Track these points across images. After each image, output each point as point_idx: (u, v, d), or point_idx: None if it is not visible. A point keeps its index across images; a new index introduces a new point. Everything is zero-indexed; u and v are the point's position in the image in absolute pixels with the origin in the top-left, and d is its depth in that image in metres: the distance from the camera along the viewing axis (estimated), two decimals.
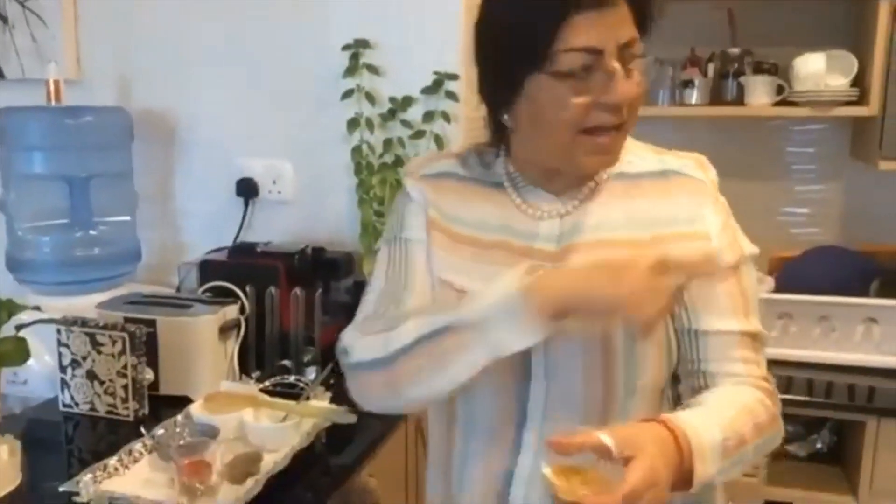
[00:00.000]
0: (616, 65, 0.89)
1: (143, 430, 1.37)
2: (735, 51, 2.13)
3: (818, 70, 1.96)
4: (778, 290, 2.00)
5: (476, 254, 1.02)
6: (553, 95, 0.92)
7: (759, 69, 2.09)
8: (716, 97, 2.14)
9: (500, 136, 1.04)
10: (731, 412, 0.92)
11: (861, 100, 1.94)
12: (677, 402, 1.04)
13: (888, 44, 1.85)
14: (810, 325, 1.94)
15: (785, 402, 1.76)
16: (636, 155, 1.04)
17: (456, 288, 1.01)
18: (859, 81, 1.95)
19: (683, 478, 0.85)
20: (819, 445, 1.98)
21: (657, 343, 0.98)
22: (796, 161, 2.27)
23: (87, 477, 1.21)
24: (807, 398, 1.82)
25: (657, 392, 1.01)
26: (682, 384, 1.03)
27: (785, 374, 1.90)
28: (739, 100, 2.11)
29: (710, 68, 2.15)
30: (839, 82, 1.95)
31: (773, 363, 1.87)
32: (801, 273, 2.04)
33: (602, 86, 0.90)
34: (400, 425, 1.64)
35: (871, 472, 1.76)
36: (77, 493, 1.18)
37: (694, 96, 2.13)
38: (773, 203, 2.27)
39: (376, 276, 1.10)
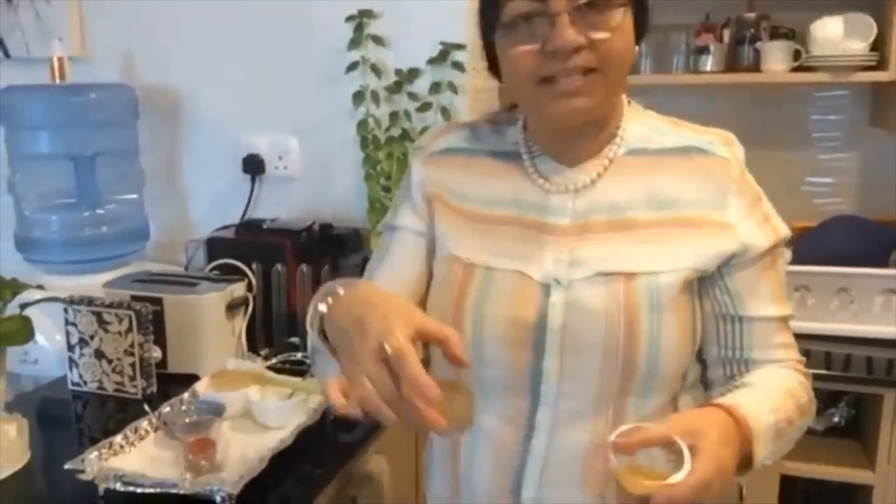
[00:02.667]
0: (558, 8, 0.85)
1: (146, 408, 1.37)
2: (751, 16, 2.07)
3: (836, 34, 1.90)
4: (795, 261, 1.96)
5: (485, 230, 0.99)
6: (504, 48, 0.90)
7: (775, 34, 2.03)
8: (731, 64, 2.09)
9: (510, 106, 1.03)
10: (778, 394, 0.92)
11: (880, 65, 1.88)
12: (707, 387, 1.02)
13: None
14: (828, 296, 1.90)
15: None
16: (656, 129, 0.99)
17: (463, 262, 0.98)
18: (878, 46, 1.89)
19: (742, 462, 0.86)
20: (836, 419, 1.95)
21: (683, 321, 0.93)
22: (815, 129, 2.21)
23: (92, 455, 1.21)
24: (825, 371, 1.78)
25: (678, 377, 0.96)
26: (712, 370, 1.00)
27: (803, 346, 1.81)
28: (756, 66, 2.05)
29: (726, 34, 2.10)
30: (858, 46, 1.89)
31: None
32: (818, 244, 2.00)
33: (547, 32, 0.86)
34: None
35: (889, 446, 1.73)
36: (82, 471, 1.18)
37: (709, 63, 2.07)
38: (791, 172, 2.22)
39: (370, 261, 1.10)
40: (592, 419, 0.94)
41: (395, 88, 1.87)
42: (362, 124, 1.88)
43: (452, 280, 0.98)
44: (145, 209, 2.06)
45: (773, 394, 0.92)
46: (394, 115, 1.87)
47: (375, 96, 1.88)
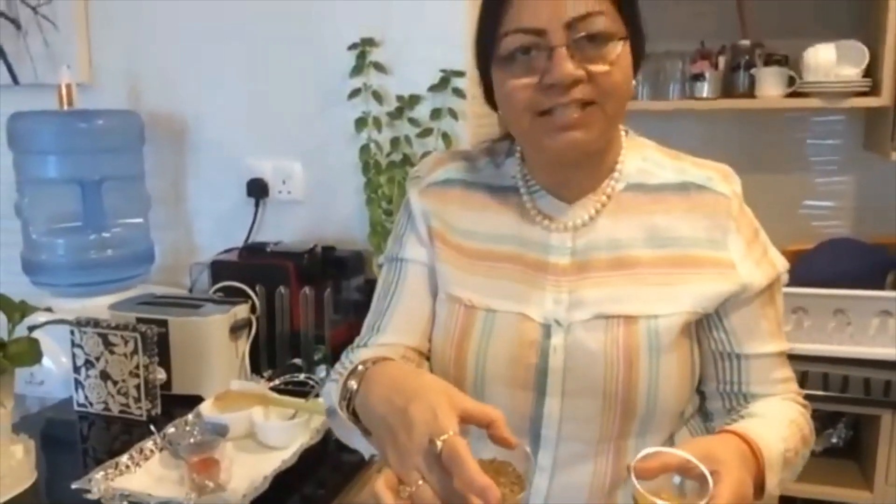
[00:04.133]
0: (556, 42, 0.85)
1: (152, 428, 1.39)
2: (745, 43, 2.11)
3: (829, 61, 1.94)
4: (792, 283, 1.97)
5: (487, 268, 0.98)
6: (501, 80, 0.90)
7: (769, 61, 2.07)
8: (727, 90, 2.13)
9: (508, 135, 1.02)
10: (784, 424, 0.93)
11: (873, 90, 1.92)
12: (705, 418, 1.03)
13: None
14: (825, 318, 1.92)
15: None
16: (655, 163, 0.98)
17: (465, 303, 0.97)
18: (871, 72, 1.93)
19: (755, 489, 0.85)
20: (835, 440, 1.96)
21: (682, 363, 0.94)
22: (811, 153, 2.25)
23: (98, 475, 1.23)
24: (822, 392, 1.80)
25: (677, 415, 0.97)
26: (711, 402, 1.01)
27: (800, 368, 1.87)
28: (751, 92, 2.09)
29: (721, 61, 2.14)
30: (850, 72, 1.93)
31: (789, 358, 1.88)
32: (815, 266, 2.02)
33: (545, 66, 0.86)
34: None
35: (887, 466, 1.74)
36: (89, 491, 1.19)
37: (705, 89, 2.11)
38: (786, 196, 2.25)
39: (375, 292, 1.07)
40: (594, 460, 0.94)
41: (397, 114, 1.90)
42: (364, 149, 1.92)
43: (454, 321, 0.97)
44: (151, 233, 2.09)
45: (779, 424, 0.92)
46: (395, 141, 1.90)
47: (377, 122, 1.91)
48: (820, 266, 2.03)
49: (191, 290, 2.02)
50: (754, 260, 0.94)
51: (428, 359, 1.02)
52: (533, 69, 0.87)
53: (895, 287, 1.97)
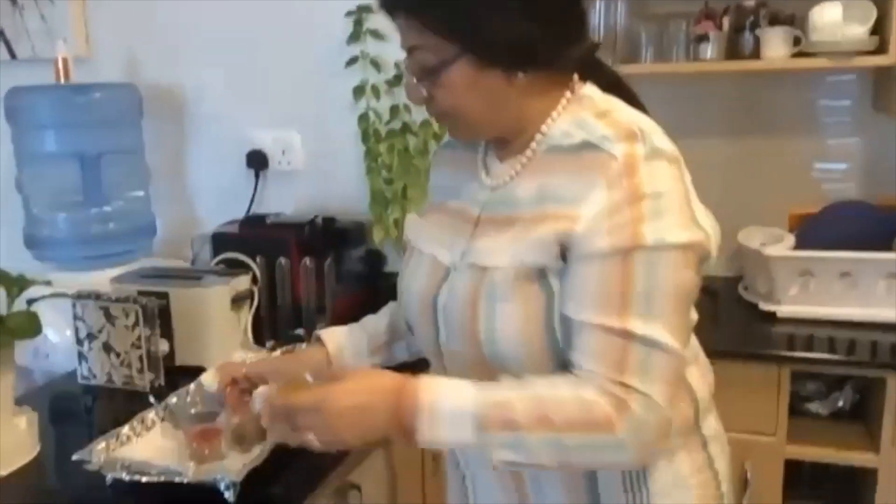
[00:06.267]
0: (406, 64, 0.97)
1: (152, 399, 1.39)
2: (750, 3, 2.06)
3: (835, 19, 1.89)
4: (798, 246, 1.96)
5: (434, 216, 1.11)
6: None
7: (775, 21, 2.03)
8: (731, 51, 2.08)
9: None
10: (515, 395, 0.88)
11: (880, 49, 1.88)
12: None
13: None
14: (831, 281, 1.90)
15: (806, 361, 1.76)
16: (580, 125, 0.95)
17: (412, 244, 1.11)
18: (878, 30, 1.88)
19: (407, 431, 0.89)
20: (841, 403, 1.95)
21: (522, 312, 0.93)
22: (817, 115, 2.20)
23: (99, 445, 1.23)
24: (829, 356, 1.78)
25: (540, 362, 0.95)
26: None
27: (806, 332, 1.87)
28: (756, 53, 2.05)
29: (725, 22, 2.09)
30: (857, 31, 1.88)
31: (794, 321, 1.87)
32: (821, 229, 1.99)
33: None
34: None
35: (893, 429, 1.73)
36: (89, 461, 1.20)
37: (709, 51, 2.07)
38: (793, 158, 2.21)
39: None
40: None
41: (395, 82, 1.89)
42: (363, 118, 1.90)
43: (404, 260, 1.13)
44: (151, 206, 2.09)
45: (506, 392, 0.89)
46: (394, 109, 1.89)
47: (376, 90, 1.90)
48: (826, 229, 2.00)
49: (192, 263, 2.03)
50: (614, 222, 0.88)
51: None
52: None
53: None
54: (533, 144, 0.99)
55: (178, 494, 1.17)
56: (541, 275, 0.93)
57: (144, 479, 1.16)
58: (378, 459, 1.50)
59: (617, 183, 0.88)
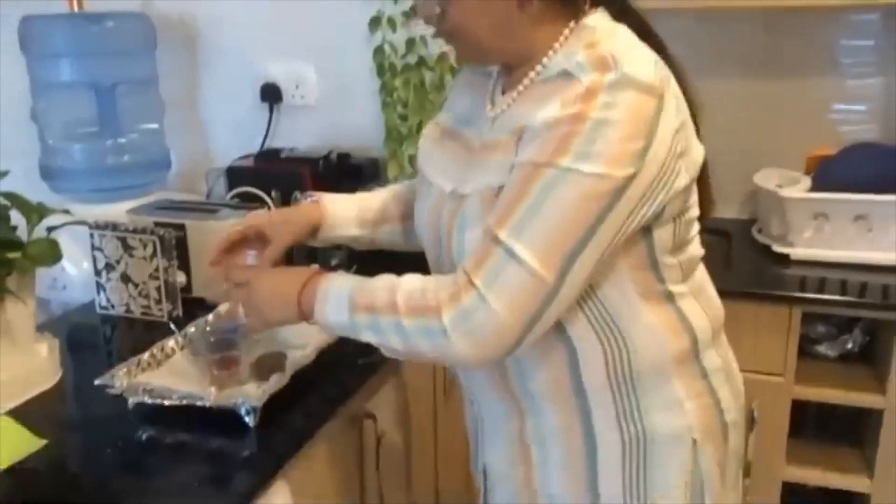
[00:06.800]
0: None
1: (172, 326, 1.41)
2: None
3: None
4: (814, 188, 1.95)
5: (441, 143, 1.12)
6: None
7: None
8: None
9: None
10: (381, 283, 0.97)
11: None
12: None
13: None
14: (846, 224, 1.89)
15: (817, 302, 1.77)
16: (569, 54, 0.95)
17: (422, 173, 1.13)
18: None
19: (306, 313, 1.02)
20: (850, 345, 1.96)
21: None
22: (838, 54, 2.16)
23: (121, 371, 1.26)
24: (839, 297, 1.79)
25: None
26: None
27: (818, 274, 1.87)
28: None
29: None
30: None
31: (808, 264, 1.87)
32: (837, 171, 1.98)
33: None
34: None
35: None
36: (112, 386, 1.23)
37: None
38: (813, 99, 2.17)
39: None
40: None
41: (412, 14, 1.85)
42: (378, 51, 1.88)
43: (417, 190, 1.15)
44: (166, 139, 2.09)
45: (373, 280, 0.98)
46: (410, 42, 1.86)
47: (392, 22, 1.87)
48: (843, 171, 1.98)
49: (207, 197, 2.03)
50: (545, 137, 0.88)
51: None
52: None
53: None
54: (532, 74, 0.98)
55: (198, 418, 1.20)
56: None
57: (167, 403, 1.18)
58: (391, 389, 1.52)
59: (570, 104, 0.88)
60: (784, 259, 1.93)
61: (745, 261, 1.95)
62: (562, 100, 0.88)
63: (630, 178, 0.87)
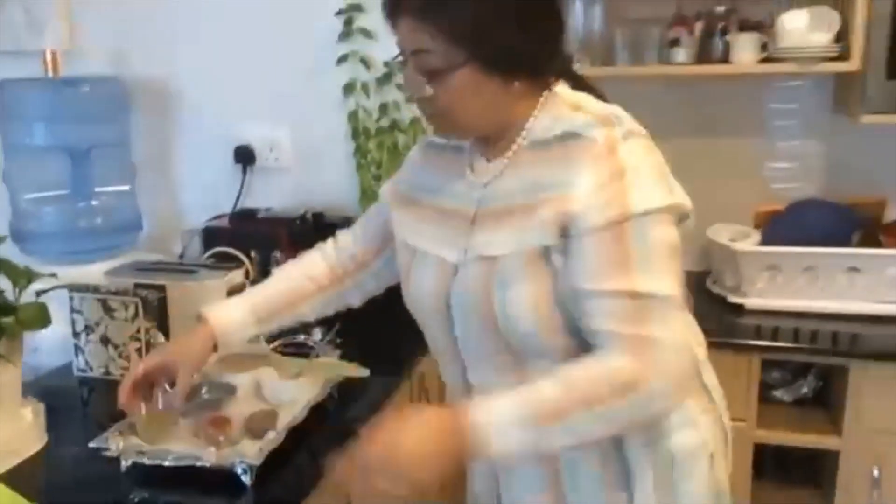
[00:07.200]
0: (412, 65, 1.03)
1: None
2: (721, 9, 2.17)
3: (801, 26, 2.00)
4: (764, 242, 2.07)
5: (428, 216, 1.16)
6: None
7: (744, 27, 2.13)
8: (702, 55, 2.18)
9: None
10: (551, 387, 0.96)
11: (843, 55, 1.99)
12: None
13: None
14: (796, 275, 2.01)
15: (771, 350, 1.86)
16: (557, 118, 1.06)
17: (410, 247, 1.17)
18: (842, 37, 2.00)
19: (474, 455, 0.95)
20: (805, 390, 2.06)
21: (534, 292, 1.02)
22: (780, 118, 2.31)
23: (115, 433, 1.26)
24: (793, 345, 1.89)
25: (551, 339, 1.04)
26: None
27: (772, 323, 1.97)
28: (726, 58, 2.15)
29: (697, 27, 2.19)
30: (822, 38, 1.99)
31: (761, 313, 1.97)
32: (786, 225, 2.10)
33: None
34: (404, 382, 1.70)
35: (854, 414, 1.85)
36: (107, 448, 1.23)
37: (681, 55, 2.16)
38: (758, 158, 2.32)
39: None
40: (503, 377, 1.08)
41: (385, 80, 1.93)
42: (353, 115, 1.95)
43: (404, 264, 1.19)
44: (138, 201, 2.10)
45: (547, 389, 0.95)
46: (383, 107, 1.94)
47: (365, 88, 1.94)
48: (790, 226, 2.11)
49: (181, 257, 2.04)
50: (603, 199, 0.98)
51: (363, 266, 1.33)
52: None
53: (861, 244, 2.06)
54: (519, 140, 1.08)
55: (193, 479, 1.20)
56: (545, 254, 1.02)
57: (166, 464, 1.19)
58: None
59: (601, 162, 0.99)
60: (739, 309, 2.03)
61: (702, 311, 2.04)
62: (591, 161, 0.99)
63: (683, 201, 1.04)
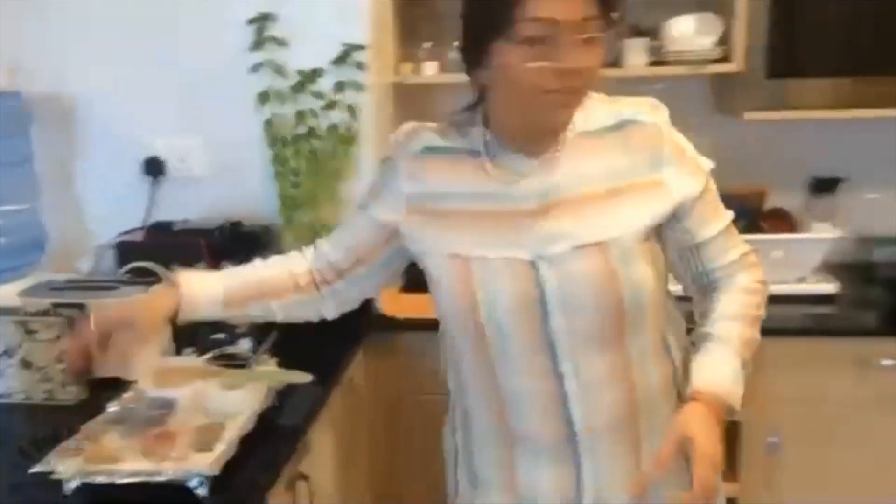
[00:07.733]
0: (573, 36, 1.01)
1: (112, 408, 1.38)
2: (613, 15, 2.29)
3: (688, 32, 2.16)
4: None
5: (467, 224, 1.16)
6: (515, 61, 1.04)
7: (635, 32, 2.27)
8: None
9: (476, 103, 1.18)
10: (735, 333, 1.17)
11: (726, 58, 2.16)
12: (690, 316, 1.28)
13: (749, 6, 2.08)
14: None
15: None
16: (593, 111, 1.16)
17: (462, 257, 1.15)
18: (725, 41, 2.17)
19: (725, 413, 1.12)
20: None
21: (653, 264, 1.15)
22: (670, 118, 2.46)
23: (56, 456, 1.22)
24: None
25: (658, 309, 1.19)
26: (689, 290, 1.27)
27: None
28: (616, 62, 2.28)
29: None
30: (707, 42, 2.16)
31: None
32: None
33: (559, 54, 1.02)
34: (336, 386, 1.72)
35: (748, 461, 2.03)
36: (51, 472, 1.19)
37: None
38: None
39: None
40: (602, 357, 1.15)
41: (300, 88, 1.94)
42: (269, 124, 1.94)
43: (455, 274, 1.16)
44: (42, 218, 2.01)
45: (730, 339, 1.16)
46: (300, 114, 1.94)
47: (280, 96, 1.94)
48: None
49: (91, 274, 1.97)
50: (687, 172, 1.16)
51: (340, 275, 1.30)
52: (543, 54, 1.03)
53: (745, 232, 2.22)
54: (568, 134, 1.14)
55: (142, 496, 1.18)
56: (655, 231, 1.16)
57: (119, 482, 1.17)
58: (327, 447, 1.56)
59: (670, 143, 1.15)
60: None
61: None
62: (662, 142, 1.14)
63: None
